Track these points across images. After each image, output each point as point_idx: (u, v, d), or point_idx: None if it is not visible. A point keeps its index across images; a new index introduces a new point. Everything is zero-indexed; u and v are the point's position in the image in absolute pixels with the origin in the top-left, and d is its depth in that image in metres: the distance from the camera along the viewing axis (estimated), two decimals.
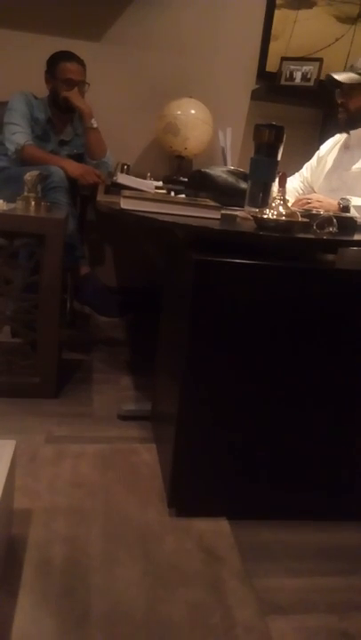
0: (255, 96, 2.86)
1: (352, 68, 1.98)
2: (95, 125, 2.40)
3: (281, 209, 1.28)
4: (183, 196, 1.87)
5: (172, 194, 1.98)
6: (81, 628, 0.98)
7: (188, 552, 1.20)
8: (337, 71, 2.00)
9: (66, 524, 1.24)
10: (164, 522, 1.29)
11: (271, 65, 2.80)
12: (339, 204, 1.79)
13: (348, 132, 2.09)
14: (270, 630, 1.02)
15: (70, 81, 2.34)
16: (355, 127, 2.04)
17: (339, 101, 2.01)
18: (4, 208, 1.78)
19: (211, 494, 1.32)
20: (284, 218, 1.27)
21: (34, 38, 2.61)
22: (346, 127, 2.07)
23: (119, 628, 0.99)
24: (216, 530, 1.28)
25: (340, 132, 2.14)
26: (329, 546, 1.28)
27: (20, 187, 1.86)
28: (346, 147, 2.11)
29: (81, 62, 2.37)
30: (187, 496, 1.32)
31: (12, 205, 1.83)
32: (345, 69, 2.06)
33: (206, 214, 1.40)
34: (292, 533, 1.30)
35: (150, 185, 2.06)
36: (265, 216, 1.28)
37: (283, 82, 2.76)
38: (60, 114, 2.42)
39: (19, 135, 2.28)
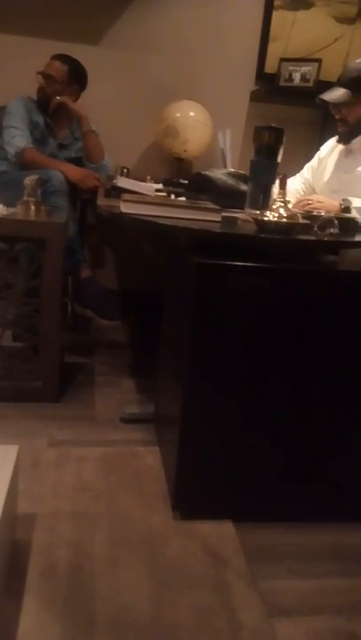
0: (254, 97, 2.87)
1: (339, 82, 1.96)
2: (93, 129, 2.40)
3: (282, 211, 1.28)
4: (183, 198, 1.87)
5: (173, 197, 1.98)
6: (86, 632, 0.98)
7: (193, 555, 1.20)
8: (325, 91, 1.98)
9: (70, 529, 1.24)
10: (169, 525, 1.29)
11: (270, 66, 2.80)
12: (340, 204, 1.79)
13: (350, 143, 2.08)
14: (276, 633, 1.02)
15: (41, 73, 2.34)
16: (357, 137, 2.04)
17: (336, 117, 2.00)
18: (4, 212, 1.78)
19: (215, 497, 1.32)
20: (284, 220, 1.27)
21: (32, 42, 2.61)
22: (348, 139, 2.06)
23: (125, 632, 0.99)
24: (221, 532, 1.28)
25: (342, 143, 2.11)
26: (335, 547, 1.28)
27: (20, 191, 1.86)
28: (348, 151, 2.10)
29: (65, 62, 2.35)
30: (191, 499, 1.32)
31: (12, 210, 1.83)
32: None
33: (207, 217, 1.40)
34: (298, 535, 1.30)
35: (150, 188, 2.06)
36: (266, 218, 1.28)
37: (282, 83, 2.77)
38: (56, 116, 2.41)
39: (18, 138, 2.28)
